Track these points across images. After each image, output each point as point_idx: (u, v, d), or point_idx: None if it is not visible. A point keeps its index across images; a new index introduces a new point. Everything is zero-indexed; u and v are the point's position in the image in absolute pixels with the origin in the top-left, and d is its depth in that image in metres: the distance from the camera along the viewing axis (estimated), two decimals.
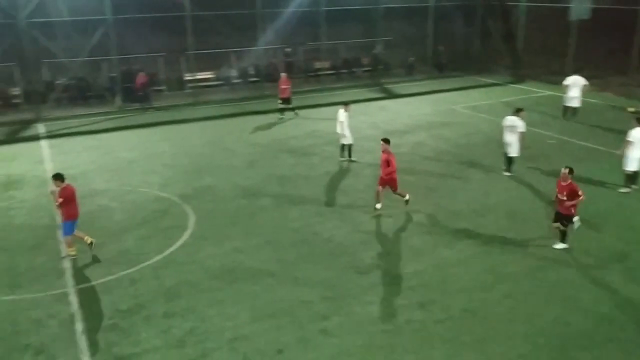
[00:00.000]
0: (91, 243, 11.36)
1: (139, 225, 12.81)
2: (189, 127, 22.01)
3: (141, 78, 25.38)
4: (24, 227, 12.85)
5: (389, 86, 28.91)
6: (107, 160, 17.86)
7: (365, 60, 31.92)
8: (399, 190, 13.21)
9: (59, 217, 11.97)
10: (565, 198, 10.84)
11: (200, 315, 9.20)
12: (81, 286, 10.17)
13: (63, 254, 11.37)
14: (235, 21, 28.32)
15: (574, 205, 10.89)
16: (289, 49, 30.75)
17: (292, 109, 22.98)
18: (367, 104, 25.00)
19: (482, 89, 28.10)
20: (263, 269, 10.70)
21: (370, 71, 31.35)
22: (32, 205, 14.12)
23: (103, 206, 13.97)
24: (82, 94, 26.50)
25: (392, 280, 10.28)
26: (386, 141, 13.00)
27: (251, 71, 29.63)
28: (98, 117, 23.80)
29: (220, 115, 23.61)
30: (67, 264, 10.98)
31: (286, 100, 22.64)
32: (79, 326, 8.95)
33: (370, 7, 30.06)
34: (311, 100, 25.55)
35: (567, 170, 10.93)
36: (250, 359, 8.16)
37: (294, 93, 23.45)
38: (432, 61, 33.11)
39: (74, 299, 9.75)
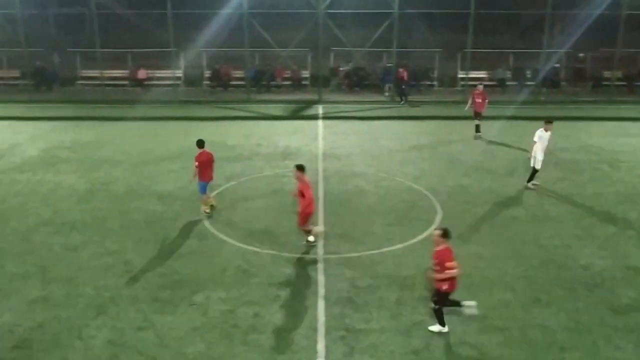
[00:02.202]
0: (212, 207, 12.64)
1: (388, 211, 13.33)
2: (451, 125, 21.96)
3: (401, 73, 26.17)
4: (289, 193, 14.44)
5: None
6: (370, 145, 18.97)
7: None
8: (303, 226, 11.20)
9: (320, 188, 13.24)
10: (435, 268, 8.23)
11: (430, 310, 9.19)
12: (328, 256, 11.05)
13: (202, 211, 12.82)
14: (519, 21, 27.14)
15: (443, 281, 8.21)
16: (581, 55, 28.20)
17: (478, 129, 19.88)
18: None
19: None
20: (502, 282, 10.17)
21: None
22: None
23: (359, 188, 14.90)
24: (359, 82, 28.57)
25: None
26: (300, 168, 11.04)
27: (528, 74, 28.10)
28: (369, 105, 25.41)
29: (487, 117, 22.96)
30: (325, 235, 12.02)
31: (478, 115, 19.69)
32: (321, 291, 9.75)
33: None
34: (594, 112, 23.17)
35: (438, 232, 8.44)
36: None
37: (579, 102, 21.43)
38: None
39: (320, 266, 10.65)
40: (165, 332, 8.58)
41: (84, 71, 29.56)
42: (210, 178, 13.03)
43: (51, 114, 23.60)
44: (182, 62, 28.76)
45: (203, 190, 12.95)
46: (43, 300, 9.45)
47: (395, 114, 23.82)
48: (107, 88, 28.18)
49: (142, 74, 29.24)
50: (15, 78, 29.30)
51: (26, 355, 8.04)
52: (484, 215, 13.20)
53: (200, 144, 12.96)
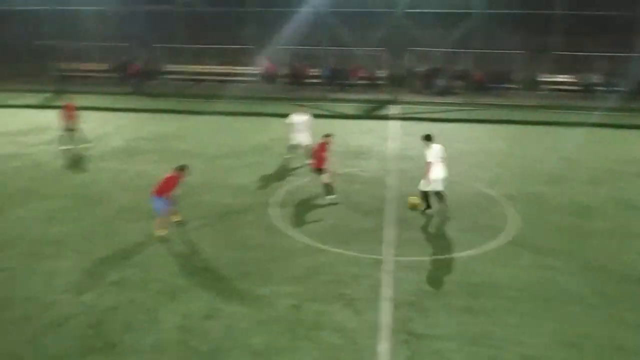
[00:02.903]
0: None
1: (459, 216, 13.02)
2: (530, 130, 21.17)
3: (477, 75, 25.45)
4: (360, 192, 14.44)
5: None
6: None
7: None
8: None
9: (390, 190, 13.18)
10: None
11: (499, 321, 8.90)
12: (395, 258, 10.94)
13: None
14: (611, 23, 25.74)
15: None
16: None
17: None
18: None
19: None
20: (577, 296, 9.67)
21: None
22: (371, 175, 15.73)
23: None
24: (435, 83, 28.09)
25: None
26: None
27: (618, 80, 26.59)
28: (444, 107, 24.92)
29: (570, 123, 21.98)
30: (389, 234, 11.93)
31: None
32: (386, 292, 9.67)
33: None
34: None
35: None
36: None
37: None
38: None
39: (387, 267, 10.57)
40: (232, 322, 8.80)
41: (168, 66, 30.83)
42: None
43: (136, 106, 24.77)
44: (260, 59, 29.36)
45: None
46: (120, 283, 9.94)
47: (471, 117, 23.23)
48: (189, 82, 29.30)
49: (223, 69, 30.12)
50: (104, 71, 30.98)
51: (102, 333, 8.49)
52: (561, 225, 12.62)
53: None
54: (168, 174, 11.78)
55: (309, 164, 14.62)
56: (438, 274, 10.38)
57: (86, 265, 10.56)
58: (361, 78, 29.49)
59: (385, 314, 9.04)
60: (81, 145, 18.05)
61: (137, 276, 10.18)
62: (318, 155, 13.80)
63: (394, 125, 21.60)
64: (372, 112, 24.28)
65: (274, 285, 9.87)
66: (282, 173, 15.83)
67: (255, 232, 12.07)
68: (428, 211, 12.93)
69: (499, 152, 18.24)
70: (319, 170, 13.80)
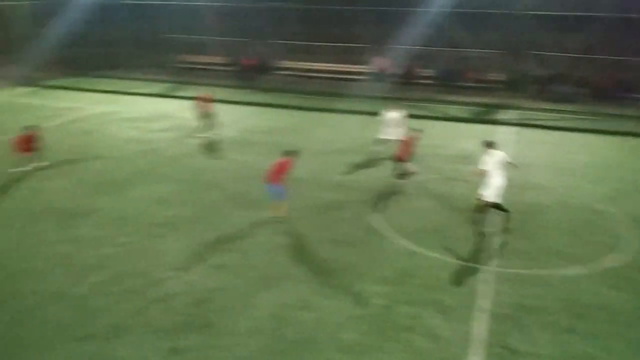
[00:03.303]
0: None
1: (569, 231, 12.24)
2: None
3: (602, 82, 23.67)
4: (464, 198, 13.95)
5: None
6: (559, 158, 17.58)
7: None
8: None
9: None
10: None
11: (604, 346, 8.26)
12: (497, 269, 10.50)
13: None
14: None
15: None
16: None
17: None
18: None
19: None
20: None
21: None
22: (476, 181, 15.18)
23: (541, 202, 13.90)
24: (554, 89, 26.52)
25: None
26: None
27: None
28: (563, 114, 23.47)
29: None
30: (490, 244, 11.48)
31: None
32: (484, 303, 9.32)
33: None
34: None
35: None
36: None
37: None
38: None
39: (487, 278, 10.17)
40: (325, 315, 8.92)
41: (283, 62, 31.74)
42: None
43: (250, 99, 25.75)
44: (373, 58, 29.37)
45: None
46: (222, 267, 10.43)
47: (593, 127, 21.63)
48: (302, 79, 30.00)
49: (347, 67, 30.48)
50: (222, 64, 32.50)
51: (202, 313, 8.96)
52: None
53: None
54: (279, 159, 12.32)
55: (394, 154, 14.89)
56: (541, 289, 9.83)
57: (193, 247, 11.19)
58: (474, 80, 28.55)
59: (480, 325, 8.72)
60: (208, 134, 19.11)
61: (238, 262, 10.61)
62: (404, 147, 14.48)
63: (505, 131, 20.70)
64: (483, 116, 23.40)
65: (368, 284, 9.87)
66: (385, 173, 15.74)
67: (353, 230, 12.12)
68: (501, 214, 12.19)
69: (620, 166, 16.88)
70: (400, 160, 14.39)
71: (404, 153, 14.49)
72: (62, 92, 26.73)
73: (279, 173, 12.14)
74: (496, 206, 12.00)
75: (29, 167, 15.50)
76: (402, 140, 15.08)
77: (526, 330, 8.65)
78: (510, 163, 12.88)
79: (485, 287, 9.85)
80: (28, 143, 15.55)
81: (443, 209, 13.32)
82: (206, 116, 19.16)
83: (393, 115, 17.02)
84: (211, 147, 18.10)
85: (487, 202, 11.93)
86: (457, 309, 9.17)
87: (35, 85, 27.78)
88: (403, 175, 14.55)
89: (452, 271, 10.38)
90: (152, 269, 10.29)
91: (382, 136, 17.04)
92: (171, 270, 10.27)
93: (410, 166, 14.44)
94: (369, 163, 16.64)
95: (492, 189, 11.87)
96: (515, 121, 22.23)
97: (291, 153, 12.50)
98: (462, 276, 10.21)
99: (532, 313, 9.10)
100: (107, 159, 16.71)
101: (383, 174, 15.50)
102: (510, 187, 14.69)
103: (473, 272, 10.37)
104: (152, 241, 11.44)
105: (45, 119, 21.06)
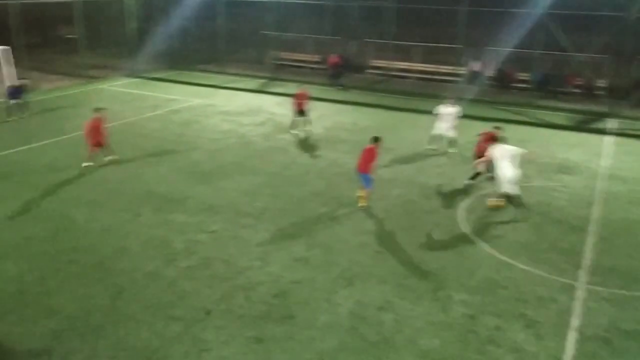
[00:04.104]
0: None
1: None
2: None
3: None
4: (561, 210, 13.28)
5: None
6: None
7: None
8: None
9: (595, 210, 12.04)
10: None
11: None
12: (591, 286, 9.88)
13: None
14: None
15: None
16: None
17: None
18: None
19: None
20: None
21: None
22: (575, 193, 14.38)
23: (631, 217, 12.94)
24: None
25: None
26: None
27: None
28: None
29: None
30: (586, 260, 10.82)
31: None
32: (574, 322, 8.80)
33: None
34: None
35: None
36: None
37: None
38: None
39: (579, 294, 9.60)
40: (404, 318, 8.79)
41: (374, 61, 31.61)
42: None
43: (340, 97, 25.87)
44: (468, 60, 28.58)
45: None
46: (304, 260, 10.55)
47: None
48: (392, 78, 29.75)
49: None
50: (314, 62, 32.86)
51: (283, 304, 9.11)
52: None
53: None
54: (366, 147, 12.92)
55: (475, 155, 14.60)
56: (639, 312, 9.15)
57: (277, 239, 11.40)
58: (577, 86, 26.99)
59: (570, 345, 8.24)
60: (302, 130, 19.35)
61: (320, 257, 10.69)
62: (480, 145, 14.33)
63: (609, 141, 19.43)
64: (585, 125, 22.07)
65: (452, 291, 9.61)
66: (473, 177, 15.26)
67: (440, 234, 11.85)
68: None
69: None
70: (478, 158, 13.93)
71: (480, 151, 13.96)
72: (165, 84, 28.13)
73: (368, 161, 12.73)
74: (513, 198, 12.48)
75: (104, 160, 15.45)
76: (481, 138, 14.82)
77: (620, 354, 8.08)
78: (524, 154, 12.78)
79: (578, 305, 9.29)
80: (97, 133, 15.03)
81: (540, 220, 12.70)
82: (302, 113, 19.43)
83: (447, 110, 17.21)
84: (301, 144, 18.35)
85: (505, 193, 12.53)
86: (546, 325, 8.72)
87: (141, 77, 29.46)
88: (475, 174, 14.34)
89: (543, 285, 9.87)
90: (238, 258, 10.60)
91: (436, 132, 17.30)
92: (256, 259, 10.53)
93: (480, 164, 13.84)
94: (458, 168, 16.19)
95: (507, 180, 12.36)
96: (620, 131, 20.81)
97: (376, 139, 13.00)
98: (554, 292, 9.69)
99: (628, 337, 8.48)
100: (202, 150, 17.40)
101: (472, 179, 15.03)
102: (613, 200, 13.84)
103: (567, 288, 9.81)
104: (239, 230, 11.78)
105: (146, 109, 22.29)
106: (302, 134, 19.14)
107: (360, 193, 13.12)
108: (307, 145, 18.23)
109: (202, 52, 33.60)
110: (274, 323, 8.63)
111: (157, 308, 8.97)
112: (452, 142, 17.36)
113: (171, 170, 15.47)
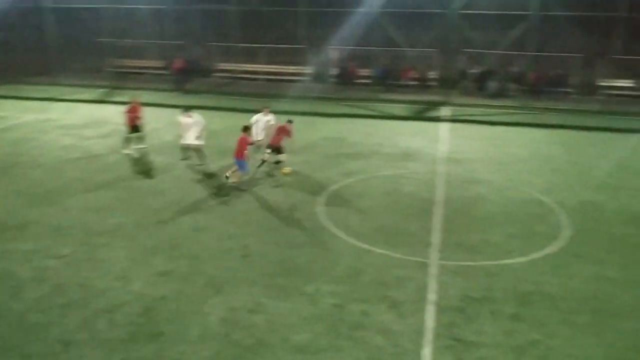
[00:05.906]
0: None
1: (510, 222, 12.71)
2: (585, 135, 20.48)
3: (532, 78, 24.79)
4: (409, 195, 14.29)
5: None
6: (496, 152, 18.21)
7: None
8: None
9: (439, 192, 13.04)
10: None
11: (548, 331, 8.63)
12: (442, 262, 10.76)
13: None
14: None
15: None
16: None
17: None
18: None
19: None
20: (633, 310, 9.28)
21: None
22: (419, 178, 15.55)
23: (481, 195, 14.35)
24: (488, 86, 27.50)
25: None
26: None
27: None
28: (498, 110, 24.37)
29: (629, 129, 21.15)
30: (435, 238, 11.75)
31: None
32: (431, 297, 9.53)
33: None
34: None
35: None
36: None
37: None
38: None
39: (433, 271, 10.41)
40: (275, 317, 8.86)
41: (220, 64, 31.34)
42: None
43: (185, 103, 25.21)
44: (312, 59, 29.49)
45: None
46: (168, 274, 10.16)
47: (525, 121, 22.60)
48: (240, 81, 29.74)
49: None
50: (158, 68, 31.76)
51: (151, 322, 8.70)
52: (618, 235, 12.13)
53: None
54: (239, 137, 14.12)
55: (271, 141, 15.58)
56: (485, 280, 10.15)
57: (137, 255, 10.85)
58: (412, 79, 29.19)
59: (430, 318, 8.91)
60: (140, 147, 18.12)
61: (185, 268, 10.38)
62: (275, 137, 15.48)
63: (444, 128, 21.29)
64: (422, 114, 23.97)
65: (318, 284, 9.88)
66: (330, 171, 15.83)
67: (301, 231, 12.11)
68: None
69: (553, 158, 17.70)
70: (274, 147, 15.42)
71: (278, 140, 15.44)
72: None
73: (240, 149, 14.02)
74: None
75: None
76: (277, 127, 15.79)
77: (474, 320, 8.90)
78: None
79: (433, 280, 10.07)
80: None
81: (390, 206, 13.52)
82: (135, 129, 17.75)
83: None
84: (152, 152, 17.61)
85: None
86: (407, 303, 9.32)
87: None
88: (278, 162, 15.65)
89: (401, 267, 10.54)
90: (95, 280, 9.90)
91: (186, 142, 16.15)
92: (115, 280, 9.92)
93: (266, 155, 15.46)
94: (315, 163, 16.64)
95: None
96: (453, 118, 22.90)
97: (247, 128, 14.38)
98: (410, 271, 10.39)
99: (478, 304, 9.37)
100: (43, 168, 15.99)
101: (329, 172, 15.57)
102: (452, 181, 15.18)
103: (421, 266, 10.57)
104: (93, 251, 11.01)
105: None
106: (135, 154, 17.61)
107: (234, 174, 14.38)
108: (158, 153, 17.54)
109: (31, 64, 30.76)
110: (141, 343, 8.21)
111: (7, 349, 8.07)
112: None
113: (7, 193, 14.01)
